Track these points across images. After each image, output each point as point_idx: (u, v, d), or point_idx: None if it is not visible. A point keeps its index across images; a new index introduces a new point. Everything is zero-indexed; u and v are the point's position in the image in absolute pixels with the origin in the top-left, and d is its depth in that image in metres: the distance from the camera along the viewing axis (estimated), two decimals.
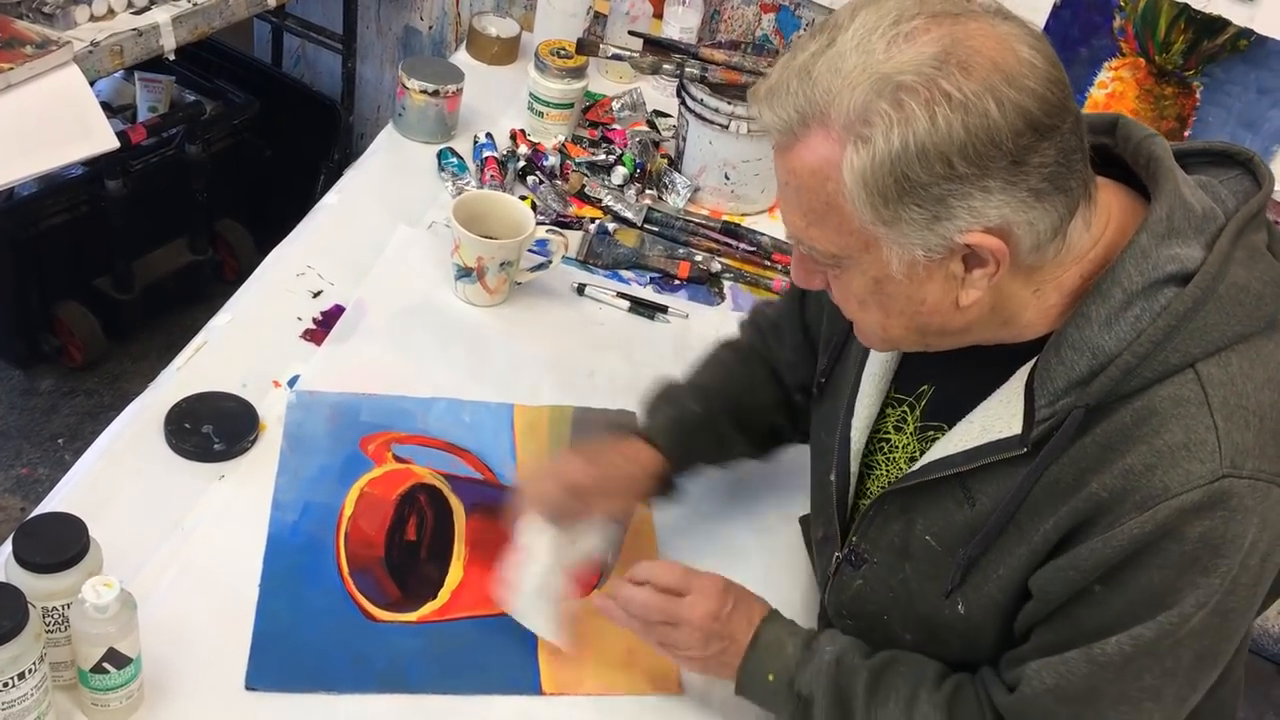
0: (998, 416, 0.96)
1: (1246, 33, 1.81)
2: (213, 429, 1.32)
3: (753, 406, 1.30)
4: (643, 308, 1.64)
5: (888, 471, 1.11)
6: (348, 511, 1.28)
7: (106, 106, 2.37)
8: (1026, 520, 0.96)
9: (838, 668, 1.07)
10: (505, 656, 1.18)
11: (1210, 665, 0.95)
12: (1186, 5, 1.83)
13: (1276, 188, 1.01)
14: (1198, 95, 1.90)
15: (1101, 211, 0.94)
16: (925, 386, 1.08)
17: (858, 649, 1.10)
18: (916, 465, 1.04)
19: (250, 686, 1.10)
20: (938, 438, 1.03)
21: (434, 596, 1.23)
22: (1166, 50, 1.89)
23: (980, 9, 0.86)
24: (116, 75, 2.53)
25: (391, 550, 1.26)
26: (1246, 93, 1.86)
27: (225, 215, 2.68)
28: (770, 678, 1.10)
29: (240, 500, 1.27)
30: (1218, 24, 1.83)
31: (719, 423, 1.28)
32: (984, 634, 1.03)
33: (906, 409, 1.09)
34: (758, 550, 1.34)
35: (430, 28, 2.63)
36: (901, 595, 1.08)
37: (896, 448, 1.10)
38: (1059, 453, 0.93)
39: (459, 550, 1.28)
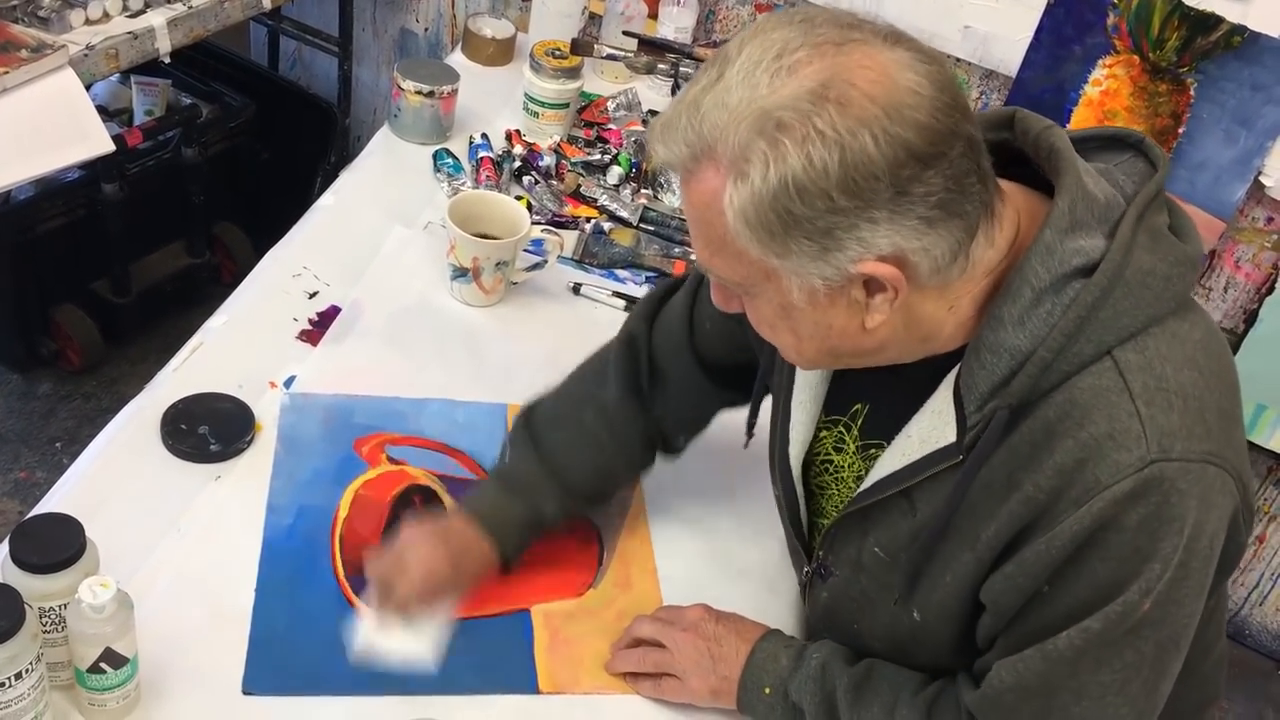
0: (932, 427, 0.96)
1: (1240, 29, 1.81)
2: (209, 430, 1.32)
3: (615, 485, 1.33)
4: None
5: (839, 491, 1.12)
6: (342, 514, 1.28)
7: (103, 110, 2.38)
8: (967, 525, 0.96)
9: (823, 674, 1.09)
10: (502, 656, 1.18)
11: (1174, 652, 0.95)
12: (1180, 2, 1.84)
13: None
14: (1191, 92, 1.91)
15: (1009, 219, 0.93)
16: (859, 405, 1.08)
17: (842, 656, 1.11)
18: (864, 485, 1.04)
19: (247, 691, 1.10)
20: (879, 455, 1.03)
21: None
22: (1160, 47, 1.89)
23: (869, 33, 0.85)
24: (113, 79, 2.54)
25: None
26: (1240, 89, 1.86)
27: (222, 218, 2.68)
28: (767, 691, 1.12)
29: (236, 501, 1.27)
30: (1211, 21, 1.83)
31: (570, 511, 1.26)
32: (942, 640, 1.04)
33: (843, 429, 1.09)
34: (753, 545, 1.34)
35: (426, 30, 2.63)
36: (864, 605, 1.09)
37: (842, 468, 1.11)
38: (988, 455, 0.92)
39: None
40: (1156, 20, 1.87)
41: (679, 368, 1.27)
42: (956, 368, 0.94)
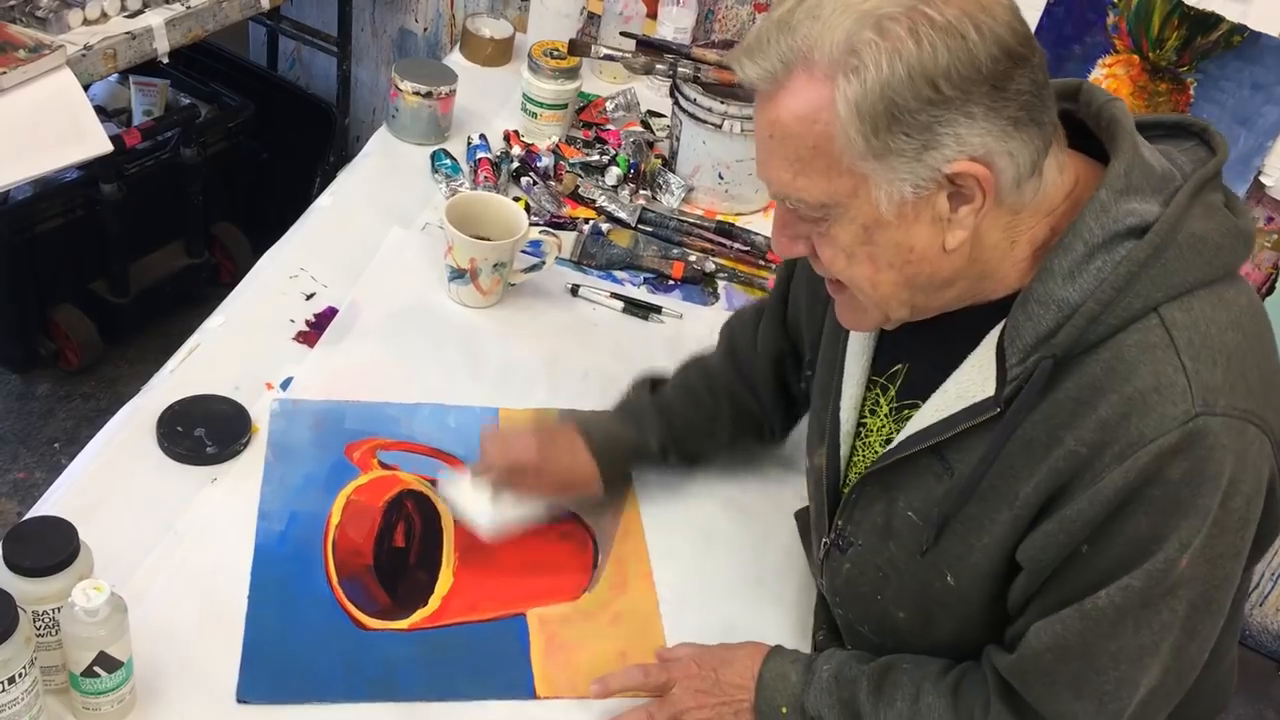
0: (971, 381, 0.98)
1: (1240, 29, 1.81)
2: (205, 432, 1.32)
3: (709, 447, 1.37)
4: (637, 308, 1.64)
5: (864, 456, 1.12)
6: (335, 520, 1.28)
7: (101, 110, 2.38)
8: (1005, 484, 0.96)
9: (837, 683, 1.09)
10: (498, 661, 1.18)
11: (1205, 615, 0.95)
12: (1180, 2, 1.83)
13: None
14: (1191, 91, 1.90)
15: (1070, 170, 0.95)
16: (899, 366, 1.09)
17: (855, 659, 1.11)
18: (894, 443, 1.05)
19: (242, 699, 1.10)
20: (912, 415, 1.04)
21: (425, 603, 1.22)
22: (1160, 47, 1.89)
23: None
24: (111, 79, 2.53)
25: (380, 557, 1.26)
26: (1240, 89, 1.86)
27: (221, 218, 2.68)
28: (784, 710, 1.11)
29: (232, 502, 1.27)
30: (1211, 20, 1.82)
31: (669, 457, 1.35)
32: (974, 606, 1.03)
33: (879, 391, 1.11)
34: (749, 546, 1.34)
35: (425, 30, 2.63)
36: (890, 574, 1.08)
37: (871, 431, 1.12)
38: (1029, 408, 0.94)
39: (448, 556, 1.27)
40: (1156, 19, 1.87)
41: (774, 345, 1.33)
42: (1001, 323, 0.95)
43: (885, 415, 1.10)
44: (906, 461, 1.03)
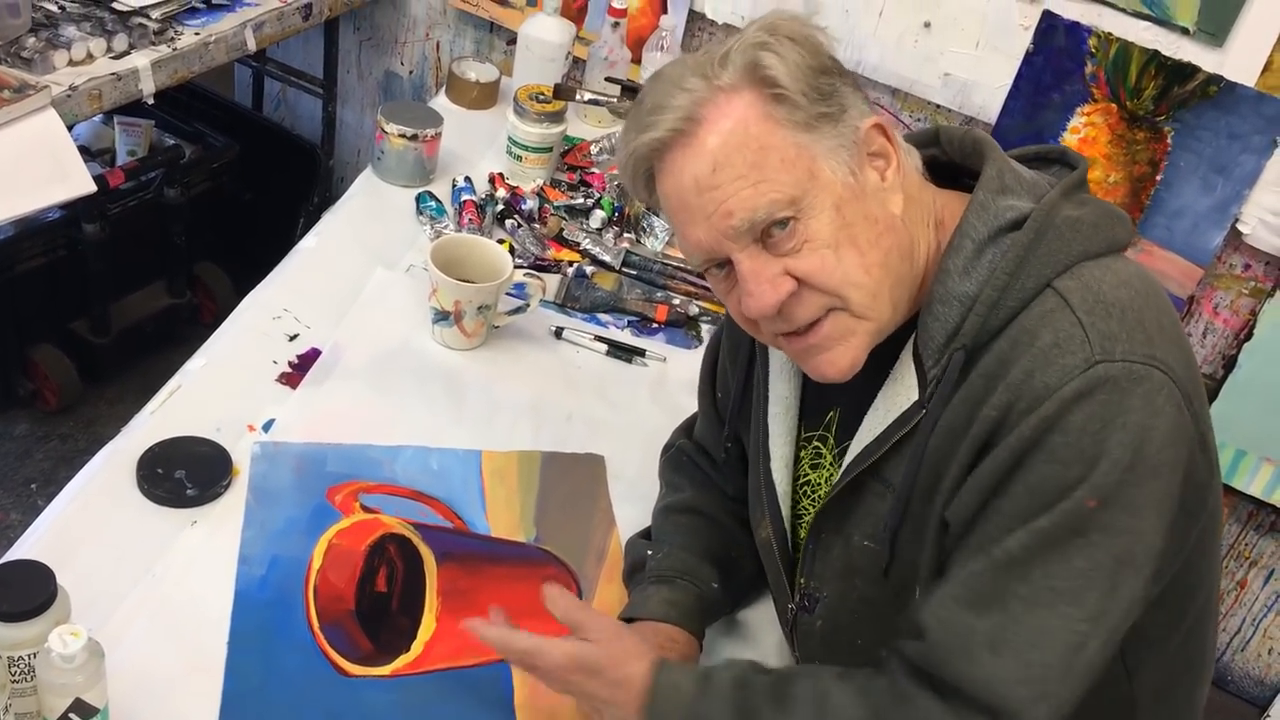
0: (897, 394, 1.01)
1: (1216, 79, 1.83)
2: (185, 474, 1.31)
3: (739, 568, 1.29)
4: (621, 351, 1.64)
5: (815, 510, 1.13)
6: (316, 564, 1.27)
7: (85, 150, 2.38)
8: (937, 478, 0.99)
9: (738, 691, 1.02)
10: (482, 708, 1.17)
11: (1131, 571, 0.93)
12: (1157, 52, 1.86)
13: None
14: (1169, 140, 1.92)
15: (939, 198, 1.04)
16: (832, 413, 1.11)
17: (755, 667, 1.05)
18: (839, 474, 1.06)
19: None
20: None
21: (407, 649, 1.21)
22: (1138, 96, 1.91)
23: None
24: (95, 119, 2.53)
25: (362, 602, 1.24)
26: (1217, 138, 1.88)
27: (204, 258, 2.68)
28: None
29: (213, 546, 1.25)
30: (1188, 70, 1.85)
31: (723, 589, 1.27)
32: None
33: (819, 443, 1.13)
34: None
35: (411, 72, 2.64)
36: (864, 612, 1.08)
37: (819, 485, 1.13)
38: (947, 397, 0.98)
39: (431, 601, 1.26)
40: (1134, 69, 1.90)
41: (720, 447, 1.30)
42: (913, 335, 1.00)
43: (830, 464, 1.11)
44: (852, 493, 1.05)
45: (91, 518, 1.25)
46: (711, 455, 1.31)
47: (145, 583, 1.20)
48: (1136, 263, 1.01)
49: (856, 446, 1.04)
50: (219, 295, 2.68)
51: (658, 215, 1.87)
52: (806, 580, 1.13)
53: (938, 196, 1.05)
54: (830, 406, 1.11)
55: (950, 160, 1.09)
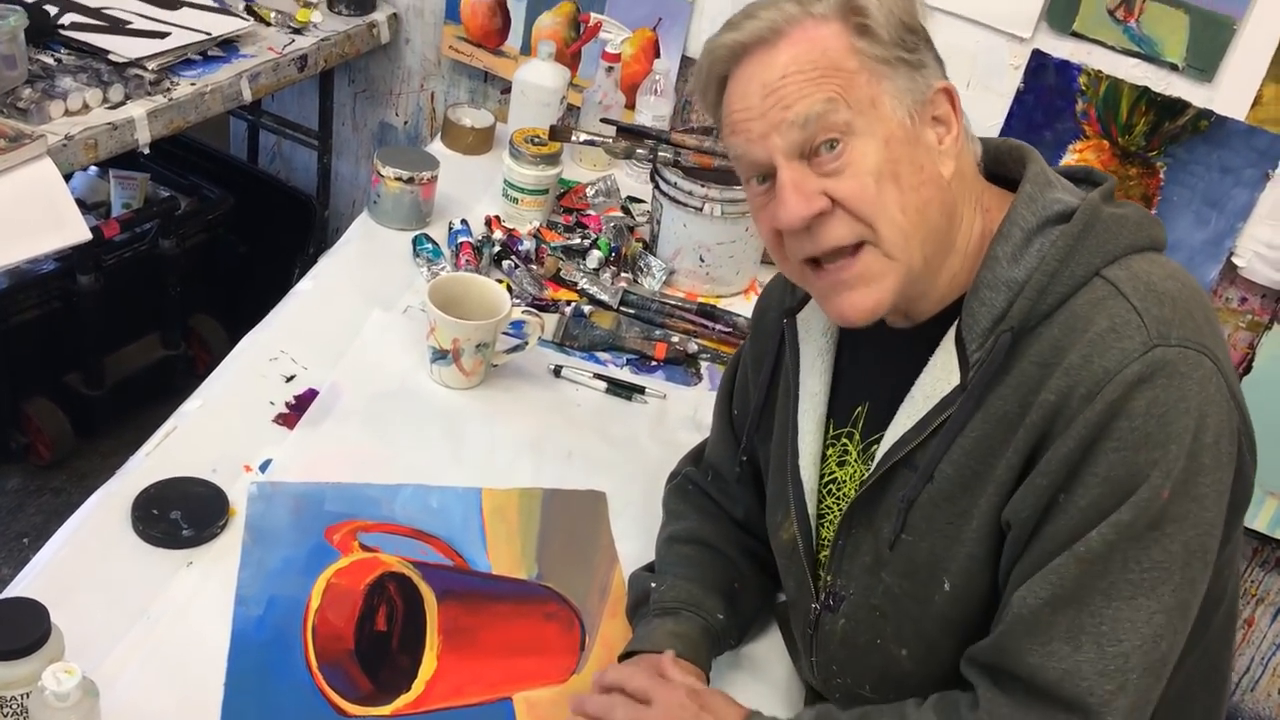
0: (937, 380, 1.02)
1: (1206, 113, 1.85)
2: (181, 514, 1.29)
3: (749, 601, 1.29)
4: (620, 388, 1.63)
5: (841, 509, 1.12)
6: (314, 604, 1.25)
7: (81, 203, 2.36)
8: (985, 465, 0.99)
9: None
10: None
11: (1200, 563, 0.95)
12: (1147, 88, 1.87)
13: None
14: (1161, 175, 1.94)
15: (983, 184, 1.06)
16: (860, 408, 1.11)
17: (835, 709, 1.09)
18: (872, 467, 1.06)
19: None
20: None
21: (408, 688, 1.19)
22: (1129, 132, 1.92)
23: None
24: (91, 172, 2.54)
25: (361, 642, 1.22)
26: (1209, 172, 1.90)
27: (199, 310, 2.67)
28: None
29: (209, 587, 1.23)
30: (1178, 105, 1.87)
31: (731, 633, 1.26)
32: (974, 610, 1.03)
33: (845, 440, 1.12)
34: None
35: (406, 123, 2.66)
36: (888, 609, 1.07)
37: (844, 483, 1.12)
38: (991, 379, 0.98)
39: (432, 639, 1.24)
40: (1124, 106, 1.91)
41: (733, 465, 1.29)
42: (955, 322, 1.01)
43: (855, 459, 1.11)
44: (883, 485, 1.05)
45: (86, 559, 1.23)
46: (723, 477, 1.30)
47: (141, 624, 1.18)
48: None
49: (892, 435, 1.04)
50: (214, 347, 2.67)
51: (654, 255, 1.87)
52: (833, 578, 1.12)
53: (987, 187, 1.06)
54: (858, 402, 1.11)
55: (986, 168, 1.10)
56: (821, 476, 1.14)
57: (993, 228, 1.03)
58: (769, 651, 1.30)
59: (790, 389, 1.16)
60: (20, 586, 1.18)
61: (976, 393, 0.98)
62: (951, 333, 1.02)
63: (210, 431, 1.42)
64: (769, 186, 1.02)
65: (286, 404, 1.49)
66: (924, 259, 1.00)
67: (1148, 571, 0.93)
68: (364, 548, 1.33)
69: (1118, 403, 0.91)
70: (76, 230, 1.87)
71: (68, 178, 1.88)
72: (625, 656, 1.21)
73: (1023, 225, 1.00)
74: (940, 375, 1.01)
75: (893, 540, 1.05)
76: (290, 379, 1.53)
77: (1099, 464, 0.93)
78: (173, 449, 1.39)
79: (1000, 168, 1.09)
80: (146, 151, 2.03)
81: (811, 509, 1.14)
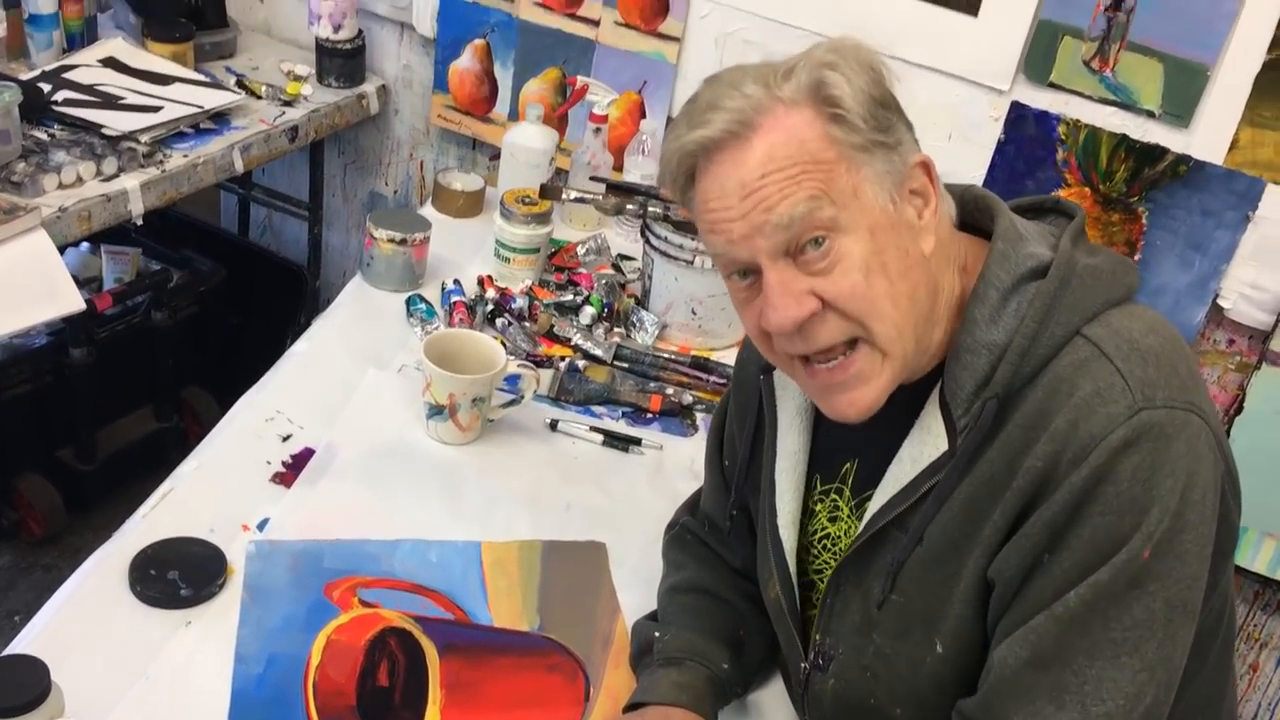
0: (924, 444, 1.01)
1: (1185, 158, 1.88)
2: (179, 574, 1.28)
3: (753, 650, 1.28)
4: (617, 441, 1.64)
5: (833, 565, 1.12)
6: (315, 660, 1.24)
7: (74, 278, 2.38)
8: (974, 527, 0.98)
9: None
10: None
11: (1184, 617, 0.95)
12: (1125, 135, 1.91)
13: None
14: (1144, 221, 1.96)
15: (960, 240, 1.05)
16: (848, 465, 1.11)
17: None
18: (862, 526, 1.05)
19: None
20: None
21: None
22: (1110, 179, 1.96)
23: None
24: (83, 248, 2.55)
25: (363, 698, 1.21)
26: (1190, 216, 1.92)
27: (191, 383, 2.67)
28: None
29: (208, 646, 1.22)
30: (1156, 152, 1.90)
31: (736, 685, 1.26)
32: (970, 674, 1.02)
33: (835, 495, 1.12)
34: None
35: (395, 192, 2.69)
36: (879, 670, 1.06)
37: (839, 539, 1.12)
38: (978, 446, 0.97)
39: (435, 694, 1.23)
40: (1104, 153, 1.94)
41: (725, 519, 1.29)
42: (938, 384, 1.00)
43: (848, 516, 1.11)
44: (874, 546, 1.04)
45: (84, 621, 1.22)
46: (719, 527, 1.30)
47: (139, 685, 1.16)
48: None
49: (881, 498, 1.04)
50: (206, 419, 2.65)
51: (646, 310, 1.88)
52: (822, 637, 1.11)
53: (963, 242, 1.06)
54: (846, 458, 1.11)
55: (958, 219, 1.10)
56: (814, 532, 1.14)
57: (970, 286, 1.02)
58: (773, 700, 1.28)
59: (769, 448, 1.16)
60: (18, 648, 1.16)
61: (964, 459, 0.98)
62: (935, 396, 1.01)
63: (207, 492, 1.42)
64: (752, 282, 1.00)
65: (283, 463, 1.49)
66: (915, 342, 1.00)
67: (1130, 630, 0.93)
68: (364, 603, 1.31)
69: (1103, 468, 0.92)
70: (71, 300, 1.87)
71: (61, 251, 1.89)
72: (631, 708, 1.19)
73: (998, 285, 0.99)
74: (927, 439, 1.01)
75: (881, 601, 1.05)
76: (287, 438, 1.53)
77: (1084, 528, 0.93)
78: (169, 510, 1.38)
79: (968, 217, 1.08)
80: (140, 223, 2.04)
81: (793, 568, 1.13)
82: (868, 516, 1.05)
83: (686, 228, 1.81)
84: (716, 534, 1.31)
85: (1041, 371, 0.96)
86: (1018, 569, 0.96)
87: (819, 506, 1.13)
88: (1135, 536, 0.91)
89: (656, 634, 1.24)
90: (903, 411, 1.03)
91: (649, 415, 1.71)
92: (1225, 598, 1.06)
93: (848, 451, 1.11)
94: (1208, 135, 1.86)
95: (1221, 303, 1.95)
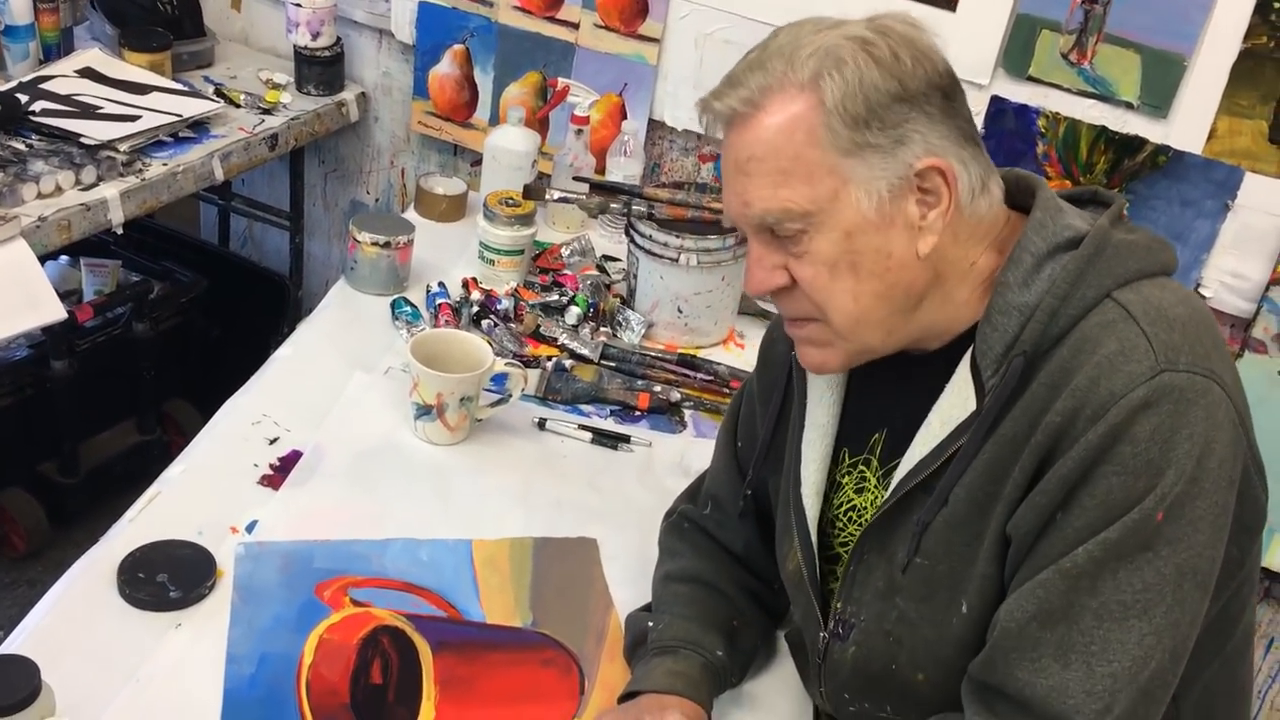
0: (953, 406, 1.01)
1: (1164, 149, 1.89)
2: (168, 577, 1.27)
3: (747, 639, 1.28)
4: (606, 438, 1.63)
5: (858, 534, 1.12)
6: (308, 660, 1.23)
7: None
8: (997, 485, 0.99)
9: None
10: None
11: (1194, 586, 0.95)
12: (1105, 127, 1.92)
13: None
14: (1125, 212, 1.97)
15: (1001, 210, 1.05)
16: (877, 435, 1.11)
17: None
18: (889, 491, 1.06)
19: None
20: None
21: None
22: (1090, 171, 1.97)
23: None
24: (62, 261, 2.54)
25: (357, 695, 1.20)
26: (1170, 206, 1.94)
27: (173, 394, 2.65)
28: None
29: (199, 648, 1.21)
30: (1136, 143, 1.91)
31: (733, 672, 1.26)
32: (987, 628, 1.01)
33: (863, 466, 1.12)
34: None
35: (377, 200, 2.68)
36: (903, 634, 1.06)
37: (865, 510, 1.12)
38: (1005, 403, 0.98)
39: (429, 690, 1.22)
40: (1084, 145, 1.96)
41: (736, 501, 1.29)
42: (969, 349, 1.01)
43: (875, 486, 1.11)
44: (900, 511, 1.05)
45: (72, 624, 1.21)
46: (724, 510, 1.30)
47: (130, 688, 1.15)
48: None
49: (909, 461, 1.04)
50: (189, 431, 2.62)
51: (632, 309, 1.88)
52: (843, 605, 1.11)
53: (1005, 218, 1.05)
54: (875, 429, 1.11)
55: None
56: (840, 505, 1.14)
57: (1004, 251, 1.02)
58: (771, 687, 1.28)
59: (797, 420, 1.16)
60: (8, 651, 1.15)
61: (990, 418, 0.99)
62: (966, 358, 1.02)
63: (194, 495, 1.41)
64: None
65: (271, 466, 1.48)
66: (885, 334, 1.03)
67: (1140, 594, 0.93)
68: (355, 603, 1.31)
69: (1121, 426, 0.92)
70: (52, 310, 1.86)
71: (41, 262, 1.88)
72: (626, 697, 1.19)
73: (1033, 251, 0.99)
74: (957, 401, 1.02)
75: (905, 564, 1.05)
76: (273, 441, 1.52)
77: (1097, 486, 0.93)
78: (157, 514, 1.37)
79: (1009, 197, 1.08)
80: (120, 231, 2.03)
81: (814, 537, 1.13)
82: (897, 477, 1.05)
83: (671, 225, 1.82)
84: (719, 517, 1.30)
85: (1069, 331, 0.97)
86: (1032, 526, 0.96)
87: (845, 479, 1.13)
88: (1149, 498, 0.91)
89: (651, 623, 1.24)
90: (933, 378, 1.04)
91: (637, 413, 1.71)
92: (1250, 580, 1.06)
93: (877, 422, 1.11)
94: (1186, 125, 1.88)
95: (1203, 291, 1.96)
